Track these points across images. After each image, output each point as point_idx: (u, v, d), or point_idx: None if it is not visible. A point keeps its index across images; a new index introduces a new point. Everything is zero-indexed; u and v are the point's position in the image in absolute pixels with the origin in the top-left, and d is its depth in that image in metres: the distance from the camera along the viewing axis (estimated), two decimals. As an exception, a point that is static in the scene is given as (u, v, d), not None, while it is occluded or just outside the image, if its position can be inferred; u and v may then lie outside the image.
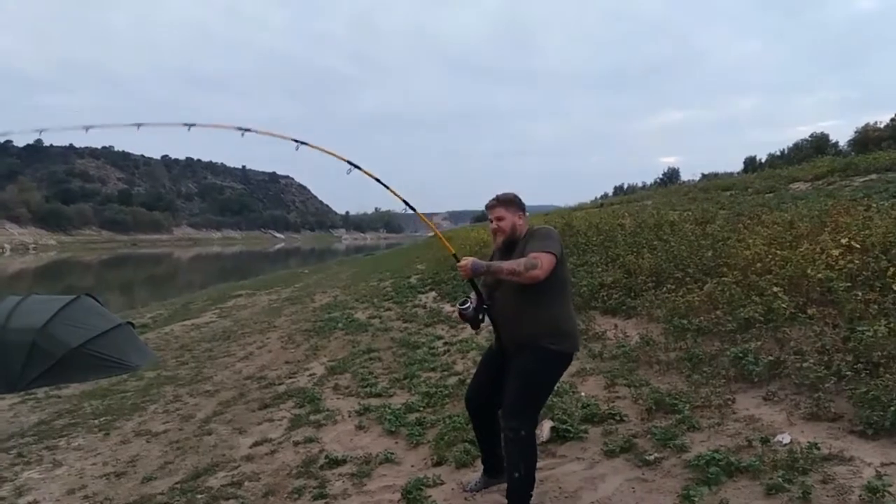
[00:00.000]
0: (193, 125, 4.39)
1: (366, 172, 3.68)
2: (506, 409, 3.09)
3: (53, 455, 5.20)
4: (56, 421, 6.34)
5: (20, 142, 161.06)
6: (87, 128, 4.73)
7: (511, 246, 3.17)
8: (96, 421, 6.14)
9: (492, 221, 3.23)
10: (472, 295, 3.27)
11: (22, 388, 7.94)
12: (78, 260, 63.36)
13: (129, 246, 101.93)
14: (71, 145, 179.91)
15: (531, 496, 3.08)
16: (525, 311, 3.04)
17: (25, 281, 38.61)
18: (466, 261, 3.01)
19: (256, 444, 4.88)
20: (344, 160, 3.66)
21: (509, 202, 3.21)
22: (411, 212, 3.86)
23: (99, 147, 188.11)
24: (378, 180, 3.64)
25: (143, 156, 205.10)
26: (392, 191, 3.61)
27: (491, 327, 3.25)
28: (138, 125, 4.50)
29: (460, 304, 3.21)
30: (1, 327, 8.60)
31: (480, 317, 3.20)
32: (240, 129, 4.07)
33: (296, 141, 3.94)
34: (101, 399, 7.08)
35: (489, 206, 3.24)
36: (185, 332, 11.97)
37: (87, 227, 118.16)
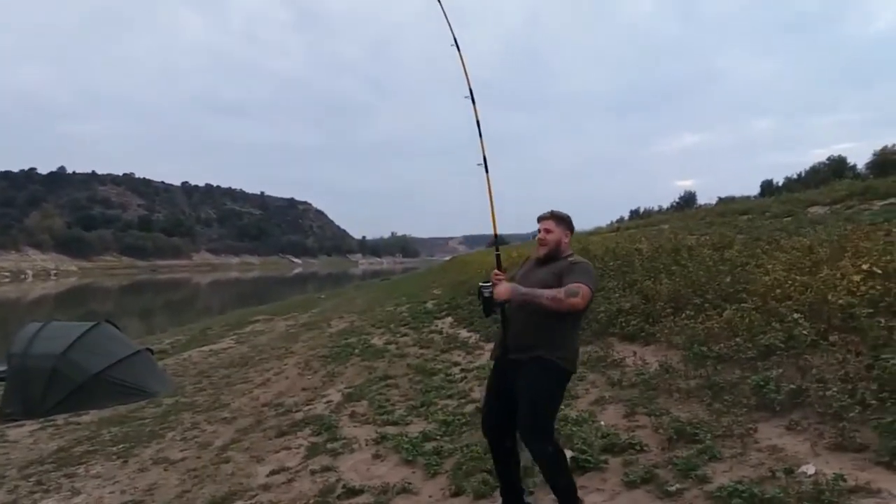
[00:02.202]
0: None
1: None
2: (525, 432, 3.12)
3: (72, 483, 5.22)
4: (75, 448, 6.38)
5: (43, 169, 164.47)
6: None
7: (548, 261, 3.30)
8: (114, 448, 6.16)
9: (540, 231, 3.35)
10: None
11: (42, 414, 8.01)
12: (98, 286, 64.16)
13: (148, 272, 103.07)
14: (93, 172, 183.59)
15: (579, 500, 3.20)
16: (542, 322, 3.10)
17: (46, 306, 39.11)
18: (504, 286, 3.11)
19: (273, 472, 4.87)
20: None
21: (561, 219, 3.37)
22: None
23: (120, 174, 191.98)
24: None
25: (163, 182, 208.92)
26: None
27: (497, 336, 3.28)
28: None
29: (483, 281, 3.25)
30: (22, 353, 8.72)
31: (496, 309, 3.24)
32: None
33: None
34: (120, 426, 7.12)
35: (542, 218, 3.38)
36: (203, 358, 12.03)
37: (107, 253, 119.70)
